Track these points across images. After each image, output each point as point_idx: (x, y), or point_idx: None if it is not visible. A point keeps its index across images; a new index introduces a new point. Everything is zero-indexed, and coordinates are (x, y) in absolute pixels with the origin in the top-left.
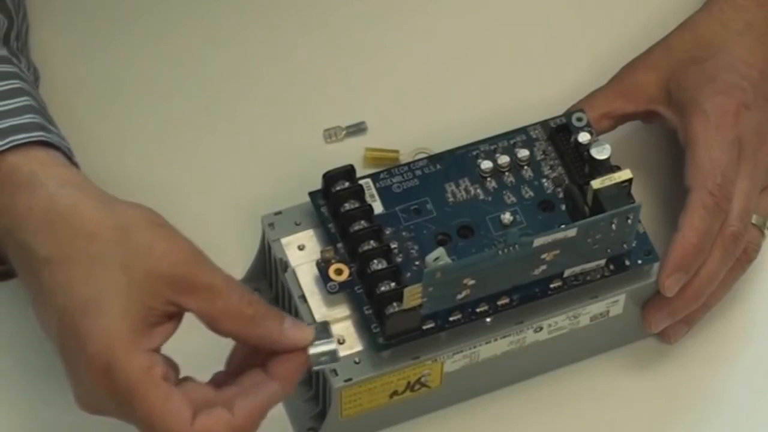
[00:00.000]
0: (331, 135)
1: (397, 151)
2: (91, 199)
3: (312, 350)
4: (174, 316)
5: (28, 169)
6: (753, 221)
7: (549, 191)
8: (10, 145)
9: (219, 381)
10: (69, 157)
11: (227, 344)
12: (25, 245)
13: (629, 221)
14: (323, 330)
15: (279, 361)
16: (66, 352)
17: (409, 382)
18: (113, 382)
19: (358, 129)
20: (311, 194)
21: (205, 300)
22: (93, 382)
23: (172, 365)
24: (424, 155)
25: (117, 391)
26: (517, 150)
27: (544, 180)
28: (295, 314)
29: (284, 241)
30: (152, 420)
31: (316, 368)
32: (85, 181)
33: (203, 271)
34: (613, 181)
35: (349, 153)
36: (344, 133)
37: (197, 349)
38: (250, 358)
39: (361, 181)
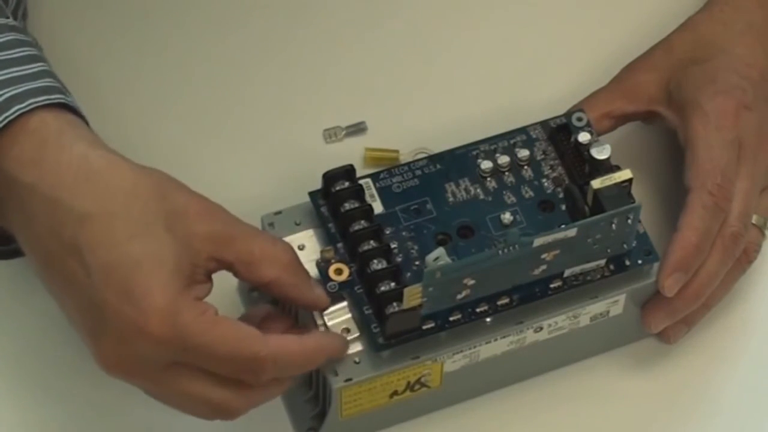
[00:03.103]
0: (331, 135)
1: (397, 151)
2: (123, 160)
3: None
4: (210, 275)
5: (57, 126)
6: (753, 221)
7: (549, 191)
8: (34, 105)
9: (263, 311)
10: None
11: None
12: (56, 201)
13: (629, 221)
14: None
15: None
16: (110, 311)
17: (409, 382)
18: (177, 332)
19: (358, 129)
20: (311, 194)
21: (244, 249)
22: (150, 338)
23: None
24: (424, 155)
25: (183, 337)
26: (517, 150)
27: (544, 180)
28: (295, 314)
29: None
30: (229, 349)
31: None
32: (109, 147)
33: (237, 224)
34: (613, 181)
35: (349, 153)
36: (344, 133)
37: None
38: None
39: (361, 181)
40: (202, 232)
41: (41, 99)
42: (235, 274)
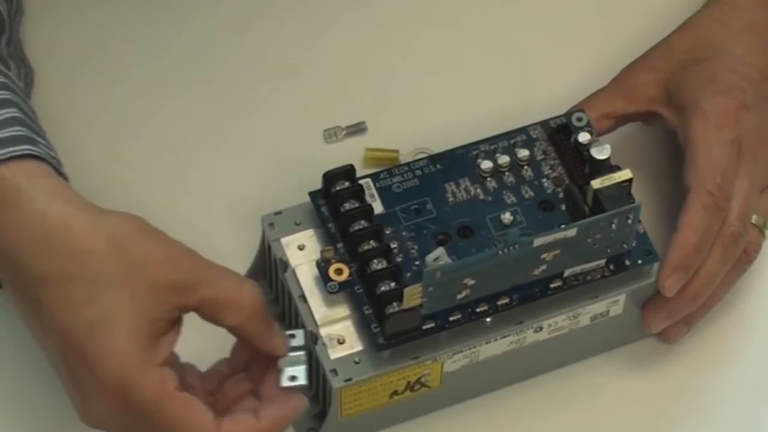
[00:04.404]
0: (331, 135)
1: (397, 151)
2: (81, 212)
3: (284, 365)
4: (176, 322)
5: (13, 183)
6: (753, 221)
7: (549, 191)
8: None
9: (221, 371)
10: (57, 168)
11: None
12: (18, 261)
13: (629, 221)
14: (299, 347)
15: (271, 407)
16: (71, 373)
17: (409, 382)
18: (130, 403)
19: (358, 129)
20: (311, 194)
21: (208, 295)
22: (106, 403)
23: (180, 369)
24: (424, 155)
25: (134, 411)
26: (517, 150)
27: (544, 180)
28: (295, 314)
29: (284, 241)
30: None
31: (283, 384)
32: (73, 193)
33: (202, 268)
34: (613, 181)
35: (349, 153)
36: (344, 133)
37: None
38: (233, 375)
39: (361, 181)
40: (164, 282)
41: (5, 151)
42: (201, 317)
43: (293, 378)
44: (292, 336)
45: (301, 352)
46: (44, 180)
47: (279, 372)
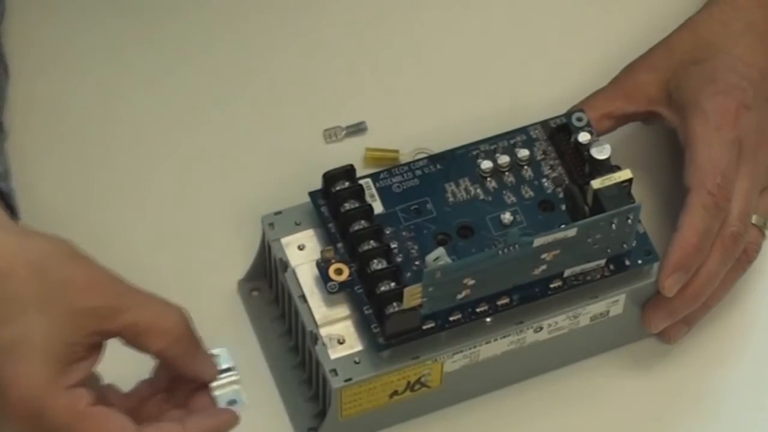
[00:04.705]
0: (331, 135)
1: (397, 151)
2: (3, 233)
3: (213, 384)
4: (96, 347)
5: None
6: (753, 221)
7: (549, 191)
8: None
9: (143, 392)
10: None
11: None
12: None
13: (629, 221)
14: (228, 369)
15: (196, 399)
16: None
17: (409, 382)
18: (41, 427)
19: (358, 129)
20: (311, 194)
21: (129, 322)
22: (19, 426)
23: (100, 390)
24: (424, 155)
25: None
26: (517, 150)
27: (544, 180)
28: (295, 314)
29: (284, 241)
30: None
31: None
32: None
33: (124, 294)
34: (613, 181)
35: (349, 153)
36: (344, 133)
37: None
38: (156, 395)
39: (361, 181)
40: (83, 307)
41: None
42: (123, 343)
43: (233, 402)
44: (217, 356)
45: (232, 372)
46: None
47: (214, 398)
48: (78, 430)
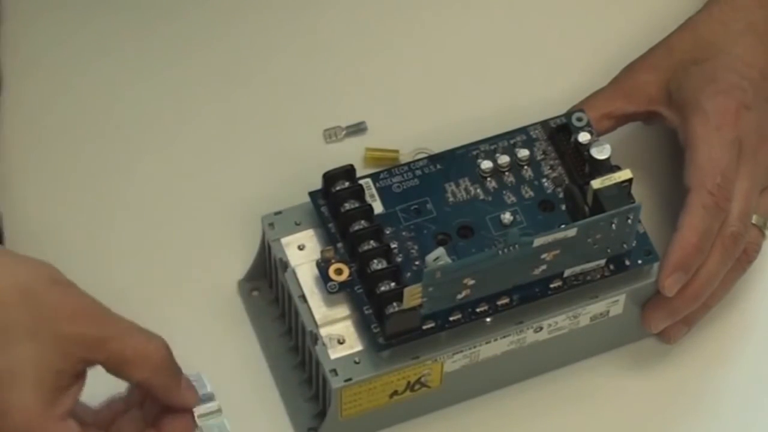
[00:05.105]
0: (331, 135)
1: (397, 151)
2: None
3: (197, 411)
4: (82, 375)
5: None
6: (753, 221)
7: (549, 191)
8: None
9: (116, 407)
10: None
11: None
12: None
13: (629, 221)
14: (207, 395)
15: (169, 421)
16: None
17: (409, 382)
18: None
19: (358, 129)
20: (311, 194)
21: (114, 350)
22: None
23: (86, 415)
24: (424, 155)
25: None
26: (517, 150)
27: (544, 180)
28: (295, 314)
29: (284, 241)
30: None
31: None
32: None
33: (110, 323)
34: (613, 181)
35: (349, 153)
36: (344, 133)
37: None
38: (128, 410)
39: (361, 181)
40: (70, 334)
41: None
42: (107, 371)
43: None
44: (196, 379)
45: (214, 403)
46: None
47: (199, 427)
48: None
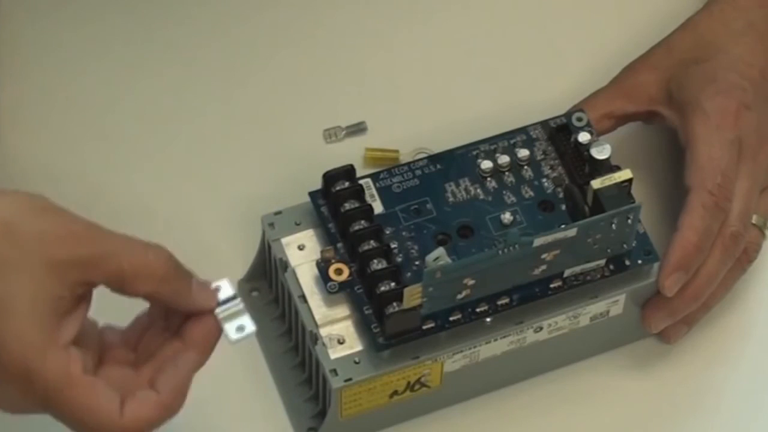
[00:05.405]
0: (331, 135)
1: (397, 151)
2: None
3: (219, 313)
4: (84, 298)
5: None
6: (753, 221)
7: (549, 191)
8: None
9: (143, 323)
10: None
11: None
12: None
13: (629, 221)
14: (231, 297)
15: (191, 326)
16: None
17: (409, 382)
18: (33, 387)
19: (358, 129)
20: (311, 194)
21: (113, 268)
22: (12, 387)
23: (90, 346)
24: (424, 155)
25: (38, 396)
26: (517, 150)
27: (544, 180)
28: (295, 314)
29: (284, 241)
30: (81, 418)
31: (234, 338)
32: None
33: (103, 241)
34: (613, 181)
35: (349, 153)
36: (344, 133)
37: None
38: (154, 324)
39: (361, 181)
40: (63, 258)
41: None
42: (111, 290)
43: (241, 328)
44: (218, 288)
45: (236, 301)
46: None
47: (222, 328)
48: (67, 394)
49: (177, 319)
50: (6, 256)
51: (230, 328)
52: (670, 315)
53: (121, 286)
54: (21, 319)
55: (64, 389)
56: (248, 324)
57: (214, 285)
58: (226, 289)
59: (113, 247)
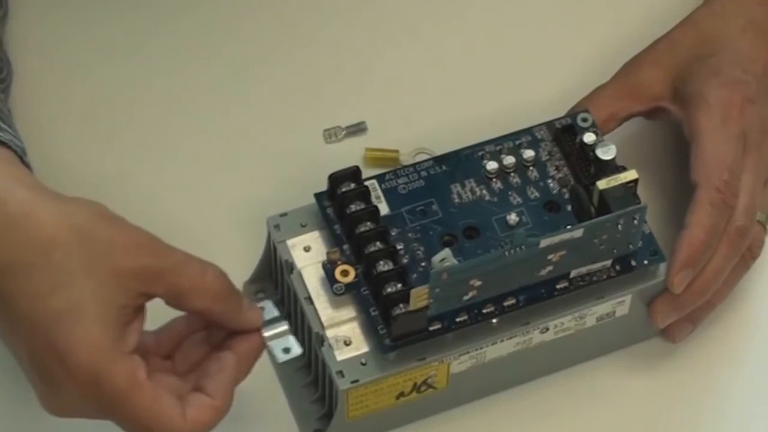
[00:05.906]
0: (331, 135)
1: (396, 151)
2: (43, 199)
3: (265, 333)
4: (141, 309)
5: None
6: (756, 218)
7: (555, 192)
8: None
9: (179, 330)
10: (21, 157)
11: None
12: None
13: (635, 222)
14: (274, 319)
15: (237, 342)
16: (37, 362)
17: (415, 384)
18: (100, 392)
19: (358, 129)
20: (317, 195)
21: (173, 282)
22: (76, 392)
23: (147, 342)
24: (424, 155)
25: (104, 400)
26: (522, 151)
27: (549, 181)
28: (301, 316)
29: (290, 242)
30: (148, 424)
31: (281, 359)
32: (35, 180)
33: (165, 254)
34: (619, 182)
35: (349, 153)
36: (344, 133)
37: None
38: (193, 335)
39: (366, 183)
40: (128, 268)
41: None
42: (166, 303)
43: (287, 350)
44: (263, 308)
45: (282, 323)
46: (6, 166)
47: (268, 348)
48: (133, 399)
49: (220, 333)
50: (79, 261)
51: (277, 350)
52: (676, 309)
53: (177, 300)
54: (91, 325)
55: (132, 395)
56: (294, 346)
57: (259, 304)
58: (270, 309)
59: (175, 262)
